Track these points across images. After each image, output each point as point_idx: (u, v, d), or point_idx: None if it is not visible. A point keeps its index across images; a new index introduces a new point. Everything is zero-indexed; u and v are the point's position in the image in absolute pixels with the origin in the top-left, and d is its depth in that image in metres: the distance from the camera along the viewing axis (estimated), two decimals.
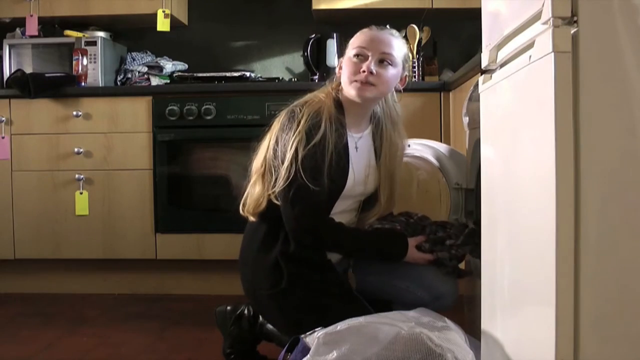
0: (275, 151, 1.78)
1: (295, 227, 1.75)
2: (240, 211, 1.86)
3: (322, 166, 1.73)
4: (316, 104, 1.79)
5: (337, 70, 1.90)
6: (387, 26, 1.89)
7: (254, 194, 1.82)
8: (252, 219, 1.85)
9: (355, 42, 1.84)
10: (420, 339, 1.43)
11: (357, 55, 1.81)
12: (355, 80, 1.79)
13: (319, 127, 1.74)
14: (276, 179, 1.75)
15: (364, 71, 1.78)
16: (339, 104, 1.85)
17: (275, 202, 1.78)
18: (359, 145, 1.90)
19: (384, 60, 1.81)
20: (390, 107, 1.94)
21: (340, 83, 1.87)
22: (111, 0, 3.23)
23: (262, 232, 1.82)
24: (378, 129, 1.94)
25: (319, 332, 1.51)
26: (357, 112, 1.88)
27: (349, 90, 1.82)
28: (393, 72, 1.83)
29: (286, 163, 1.72)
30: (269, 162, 1.79)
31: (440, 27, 3.35)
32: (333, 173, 1.76)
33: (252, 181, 1.84)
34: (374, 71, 1.78)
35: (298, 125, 1.74)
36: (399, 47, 1.84)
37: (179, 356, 2.13)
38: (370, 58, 1.79)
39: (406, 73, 1.91)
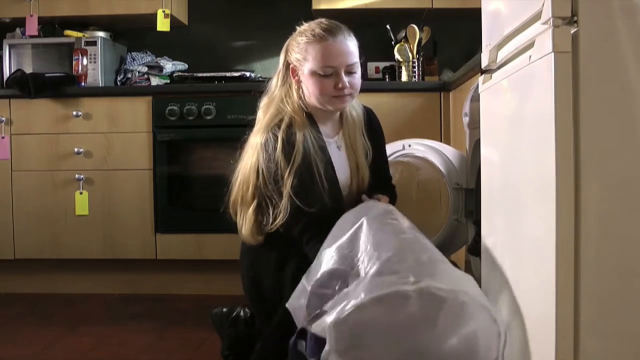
0: (265, 181, 1.74)
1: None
2: (244, 236, 1.82)
3: (312, 186, 1.72)
4: (288, 125, 1.76)
5: (290, 74, 1.82)
6: (344, 28, 1.83)
7: (252, 220, 1.78)
8: (254, 242, 1.81)
9: (319, 60, 1.76)
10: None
11: (324, 74, 1.77)
12: (333, 96, 1.78)
13: (300, 148, 1.72)
14: (274, 209, 1.73)
15: (339, 88, 1.77)
16: (309, 115, 1.82)
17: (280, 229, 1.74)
18: (340, 143, 1.90)
19: (350, 71, 1.80)
20: None
21: (300, 91, 1.83)
22: (111, 0, 3.23)
23: (271, 253, 1.78)
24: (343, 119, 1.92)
25: (327, 318, 1.44)
26: (329, 117, 1.88)
27: (326, 106, 1.81)
28: (359, 73, 1.83)
29: (284, 199, 1.70)
30: (264, 192, 1.75)
31: (440, 27, 3.35)
32: (324, 185, 1.74)
33: (250, 209, 1.78)
34: (348, 84, 1.78)
35: (275, 153, 1.72)
36: (355, 46, 1.82)
37: (179, 356, 2.13)
38: (339, 73, 1.77)
39: (362, 58, 1.88)
